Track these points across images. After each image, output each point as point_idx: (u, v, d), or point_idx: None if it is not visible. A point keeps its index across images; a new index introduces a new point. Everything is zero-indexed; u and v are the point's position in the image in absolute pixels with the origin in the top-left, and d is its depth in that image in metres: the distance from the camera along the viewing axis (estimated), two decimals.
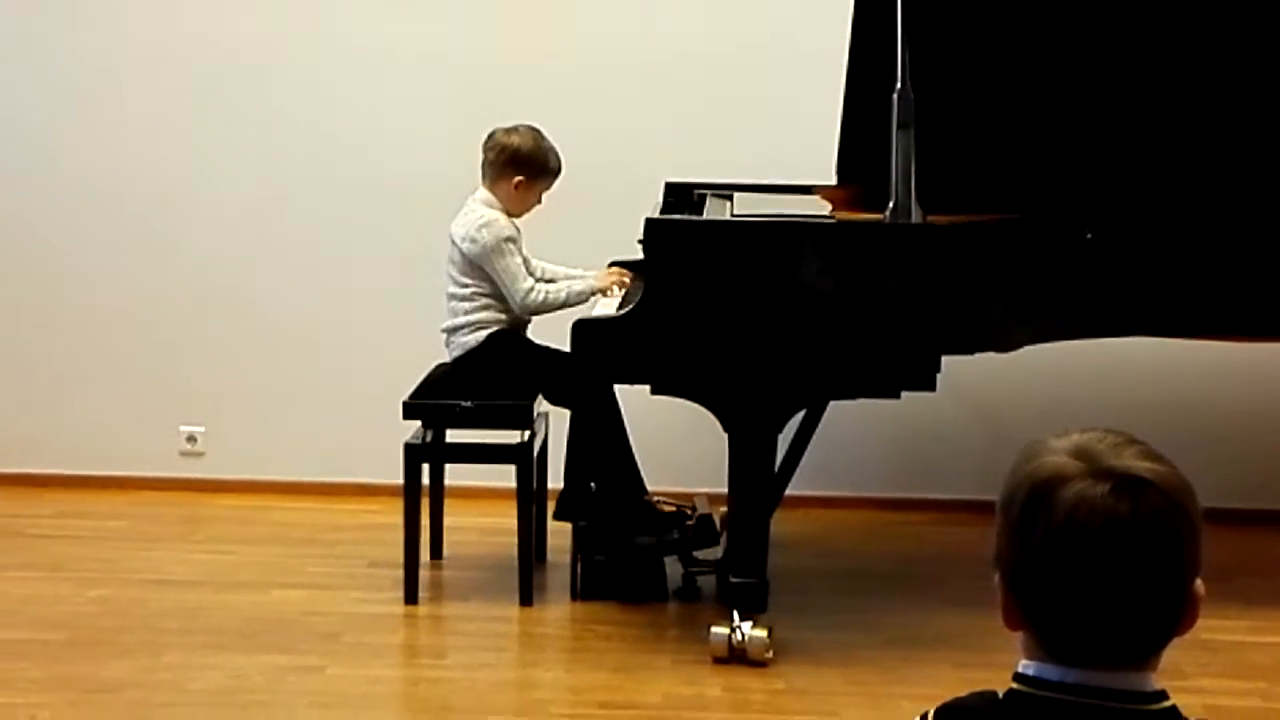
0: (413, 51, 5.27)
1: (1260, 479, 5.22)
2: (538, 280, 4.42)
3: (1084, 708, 1.43)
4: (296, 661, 3.89)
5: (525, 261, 4.43)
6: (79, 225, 5.40)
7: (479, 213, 4.37)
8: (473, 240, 4.33)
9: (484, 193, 4.42)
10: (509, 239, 4.34)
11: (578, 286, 4.40)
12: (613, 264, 4.55)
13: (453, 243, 4.39)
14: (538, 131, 4.44)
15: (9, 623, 4.16)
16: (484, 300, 4.38)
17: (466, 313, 4.38)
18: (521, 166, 4.39)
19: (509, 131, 4.43)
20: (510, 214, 4.41)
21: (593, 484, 4.39)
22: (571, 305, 4.32)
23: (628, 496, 4.38)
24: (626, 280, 4.43)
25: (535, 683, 3.94)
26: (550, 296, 4.35)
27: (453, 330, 4.41)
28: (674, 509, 4.50)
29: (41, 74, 5.36)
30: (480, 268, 4.34)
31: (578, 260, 4.60)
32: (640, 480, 4.41)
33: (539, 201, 4.47)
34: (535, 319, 4.47)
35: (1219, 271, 4.12)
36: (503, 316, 4.40)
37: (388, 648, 4.11)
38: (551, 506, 4.50)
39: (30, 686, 3.71)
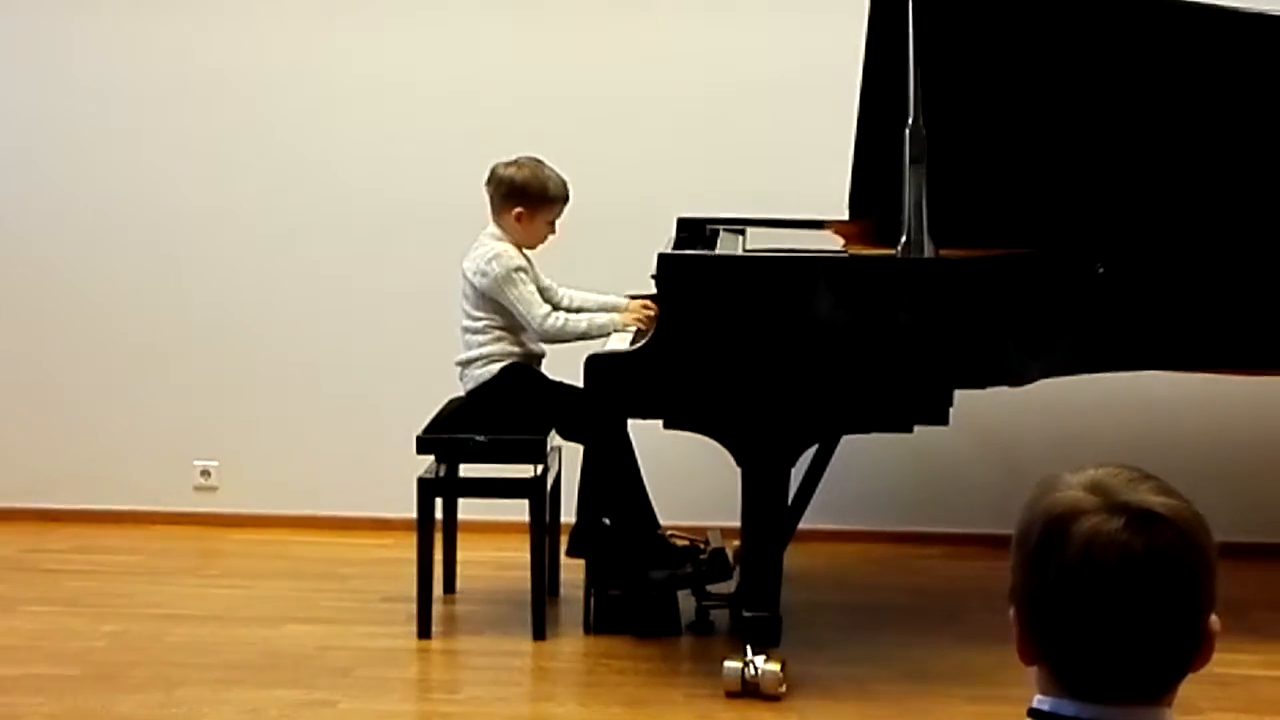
0: (427, 85, 5.30)
1: (1274, 513, 5.20)
2: (561, 308, 4.43)
3: None
4: (310, 696, 3.89)
5: (545, 290, 4.44)
6: (93, 261, 5.43)
7: (488, 246, 4.38)
8: (483, 274, 4.34)
9: (493, 227, 4.44)
10: (519, 269, 4.35)
11: (600, 319, 4.37)
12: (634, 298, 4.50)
13: (465, 277, 4.41)
14: (538, 161, 4.44)
15: (24, 657, 4.16)
16: (497, 333, 4.39)
17: (480, 345, 4.39)
18: (520, 197, 4.40)
19: (508, 165, 4.44)
20: (522, 246, 4.43)
21: (606, 519, 4.39)
22: (592, 337, 4.31)
23: (641, 531, 4.37)
24: (650, 316, 4.29)
25: (548, 717, 3.93)
26: (570, 324, 4.34)
27: (466, 363, 4.42)
28: (687, 543, 4.50)
29: (58, 108, 5.40)
30: (493, 300, 4.35)
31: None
32: (653, 514, 4.40)
33: (552, 230, 4.47)
34: (549, 354, 4.48)
35: (1231, 305, 4.12)
36: (516, 349, 4.41)
37: (401, 682, 4.11)
38: (564, 541, 4.49)
39: None
